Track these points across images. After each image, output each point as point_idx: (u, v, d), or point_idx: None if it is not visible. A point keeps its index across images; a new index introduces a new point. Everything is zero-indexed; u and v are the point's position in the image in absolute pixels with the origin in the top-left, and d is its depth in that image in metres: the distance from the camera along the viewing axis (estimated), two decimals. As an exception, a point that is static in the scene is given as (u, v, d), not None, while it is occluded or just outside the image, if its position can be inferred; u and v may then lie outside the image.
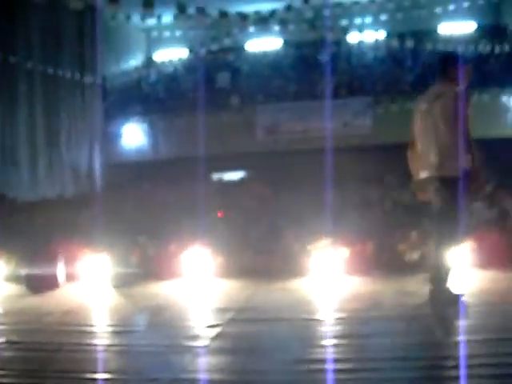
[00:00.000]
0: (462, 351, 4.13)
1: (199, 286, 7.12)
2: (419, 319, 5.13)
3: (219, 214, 9.21)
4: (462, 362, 3.88)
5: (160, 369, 4.14)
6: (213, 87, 18.09)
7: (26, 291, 7.35)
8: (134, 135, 17.39)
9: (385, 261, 7.23)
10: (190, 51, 18.96)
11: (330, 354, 4.33)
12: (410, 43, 16.28)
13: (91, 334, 5.29)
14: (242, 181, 14.67)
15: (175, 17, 14.72)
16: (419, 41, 16.55)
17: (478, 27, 18.87)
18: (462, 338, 4.50)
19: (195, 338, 4.90)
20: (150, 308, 6.13)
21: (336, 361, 4.14)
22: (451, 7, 17.46)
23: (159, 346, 4.70)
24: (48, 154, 15.19)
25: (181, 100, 17.28)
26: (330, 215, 7.69)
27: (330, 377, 3.85)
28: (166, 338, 4.96)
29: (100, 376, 4.03)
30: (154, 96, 18.48)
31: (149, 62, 20.27)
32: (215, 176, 15.84)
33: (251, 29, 15.99)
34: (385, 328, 4.96)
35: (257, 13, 15.64)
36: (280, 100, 16.66)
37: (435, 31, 18.72)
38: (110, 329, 5.48)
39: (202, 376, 3.96)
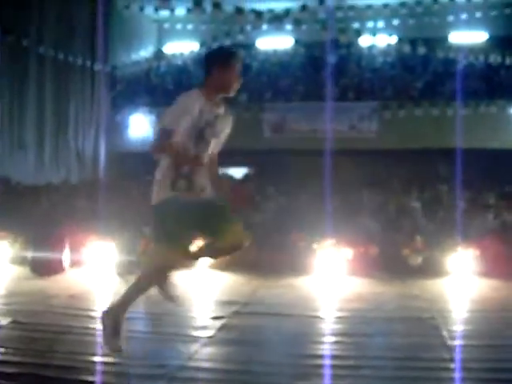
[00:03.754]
0: (462, 355, 4.23)
1: (204, 278, 7.22)
2: (420, 321, 5.23)
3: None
4: (461, 365, 3.97)
5: (167, 356, 4.23)
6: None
7: (31, 274, 7.43)
8: (140, 126, 17.42)
9: (388, 264, 7.33)
10: (202, 45, 18.96)
11: (331, 350, 4.41)
12: (420, 50, 16.33)
13: (96, 318, 5.32)
14: (246, 177, 14.75)
15: (189, 10, 14.78)
16: (430, 48, 16.57)
17: (490, 38, 18.93)
18: (462, 342, 4.59)
19: (201, 328, 4.99)
20: (155, 297, 6.19)
21: (337, 357, 4.23)
22: (463, 16, 17.48)
23: (165, 334, 4.79)
24: (55, 139, 15.25)
25: (189, 93, 17.32)
26: (335, 216, 7.77)
27: (331, 372, 3.94)
28: (172, 326, 5.05)
29: (105, 359, 4.11)
30: (163, 88, 18.48)
31: (159, 54, 20.27)
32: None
33: (264, 26, 16.04)
34: (386, 328, 5.06)
35: (271, 11, 15.70)
36: (288, 99, 16.72)
37: (446, 39, 18.78)
38: (116, 315, 5.53)
39: (209, 365, 4.06)
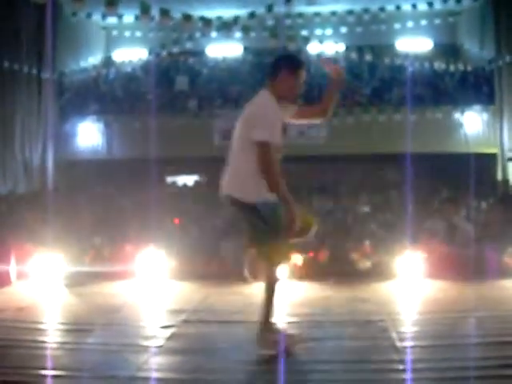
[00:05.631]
0: (411, 356, 4.30)
1: (153, 287, 7.15)
2: (370, 324, 5.30)
3: (176, 221, 9.22)
4: (410, 366, 4.04)
5: (115, 367, 4.17)
6: (171, 90, 18.07)
7: (-24, 287, 7.23)
8: (88, 134, 17.21)
9: (337, 268, 7.40)
10: (150, 52, 18.89)
11: (281, 355, 4.42)
12: (368, 57, 16.63)
13: (45, 331, 5.26)
14: (196, 185, 14.72)
15: (137, 17, 14.67)
16: (377, 55, 16.92)
17: (435, 45, 19.41)
18: (410, 343, 4.67)
19: (150, 337, 4.94)
20: (104, 307, 6.13)
21: (287, 362, 4.23)
22: (409, 24, 17.90)
23: (114, 345, 4.72)
24: (0, 148, 14.88)
25: (138, 101, 17.18)
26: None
27: (282, 377, 3.95)
28: (121, 337, 4.98)
29: (55, 372, 4.04)
30: (112, 95, 18.31)
31: (107, 61, 20.08)
32: (169, 179, 15.84)
33: (213, 34, 16.05)
34: (336, 332, 5.11)
35: (219, 18, 15.73)
36: (238, 106, 16.76)
37: (393, 46, 19.17)
38: (64, 327, 5.45)
39: (158, 375, 4.01)
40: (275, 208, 4.24)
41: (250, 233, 4.51)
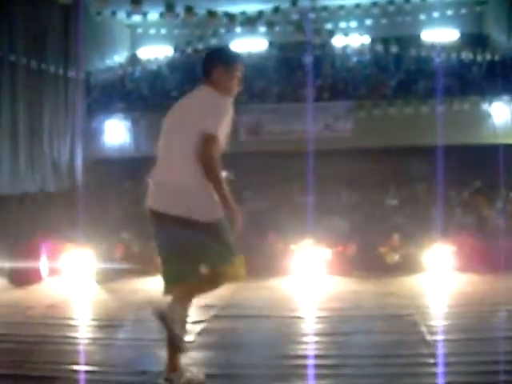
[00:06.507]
0: (441, 349, 4.27)
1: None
2: (399, 318, 5.27)
3: None
4: (441, 360, 4.02)
5: (146, 362, 4.22)
6: (196, 86, 18.12)
7: (8, 284, 7.36)
8: (116, 132, 17.34)
9: (366, 262, 7.38)
10: (175, 49, 18.97)
11: (311, 350, 4.43)
12: (393, 48, 16.48)
13: (76, 327, 5.34)
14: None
15: (162, 14, 14.73)
16: (403, 46, 16.76)
17: (461, 35, 19.15)
18: (441, 337, 4.64)
19: (180, 333, 4.96)
20: (134, 303, 6.18)
21: (318, 357, 4.25)
22: (435, 15, 17.68)
23: (145, 340, 4.76)
24: (29, 147, 15.05)
25: (164, 98, 17.25)
26: (312, 216, 7.79)
27: (312, 372, 3.95)
28: (152, 332, 4.99)
29: (86, 368, 4.08)
30: (138, 93, 18.43)
31: (133, 59, 20.21)
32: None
33: (237, 29, 16.04)
34: (365, 326, 5.10)
35: (244, 13, 15.71)
36: (263, 101, 16.74)
37: (419, 38, 18.96)
38: (95, 323, 5.53)
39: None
40: (226, 222, 3.72)
41: (196, 257, 3.84)
